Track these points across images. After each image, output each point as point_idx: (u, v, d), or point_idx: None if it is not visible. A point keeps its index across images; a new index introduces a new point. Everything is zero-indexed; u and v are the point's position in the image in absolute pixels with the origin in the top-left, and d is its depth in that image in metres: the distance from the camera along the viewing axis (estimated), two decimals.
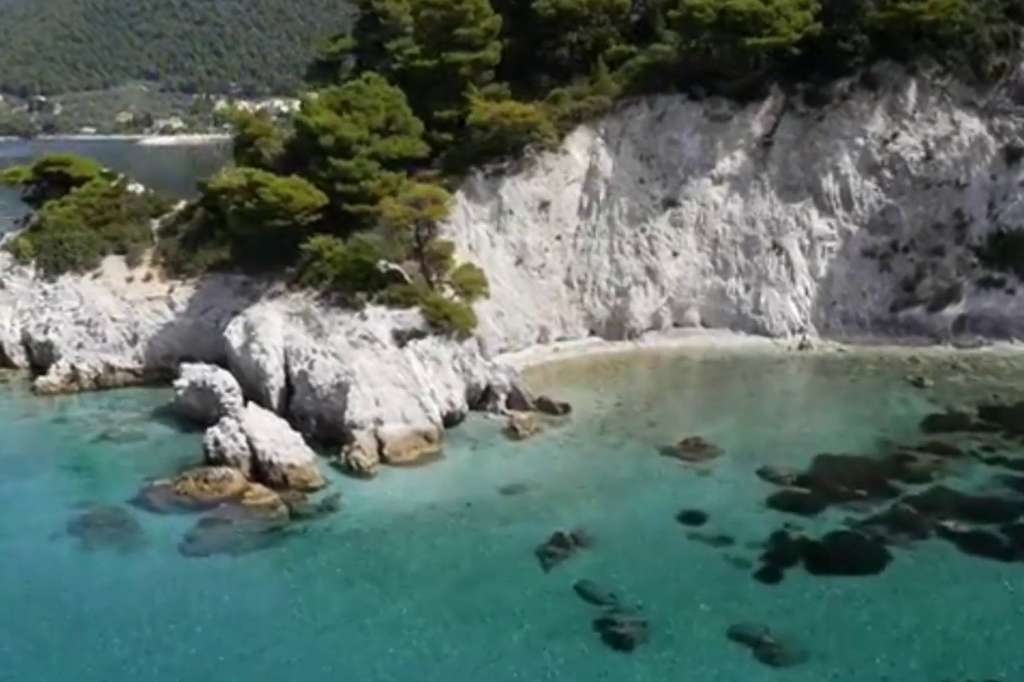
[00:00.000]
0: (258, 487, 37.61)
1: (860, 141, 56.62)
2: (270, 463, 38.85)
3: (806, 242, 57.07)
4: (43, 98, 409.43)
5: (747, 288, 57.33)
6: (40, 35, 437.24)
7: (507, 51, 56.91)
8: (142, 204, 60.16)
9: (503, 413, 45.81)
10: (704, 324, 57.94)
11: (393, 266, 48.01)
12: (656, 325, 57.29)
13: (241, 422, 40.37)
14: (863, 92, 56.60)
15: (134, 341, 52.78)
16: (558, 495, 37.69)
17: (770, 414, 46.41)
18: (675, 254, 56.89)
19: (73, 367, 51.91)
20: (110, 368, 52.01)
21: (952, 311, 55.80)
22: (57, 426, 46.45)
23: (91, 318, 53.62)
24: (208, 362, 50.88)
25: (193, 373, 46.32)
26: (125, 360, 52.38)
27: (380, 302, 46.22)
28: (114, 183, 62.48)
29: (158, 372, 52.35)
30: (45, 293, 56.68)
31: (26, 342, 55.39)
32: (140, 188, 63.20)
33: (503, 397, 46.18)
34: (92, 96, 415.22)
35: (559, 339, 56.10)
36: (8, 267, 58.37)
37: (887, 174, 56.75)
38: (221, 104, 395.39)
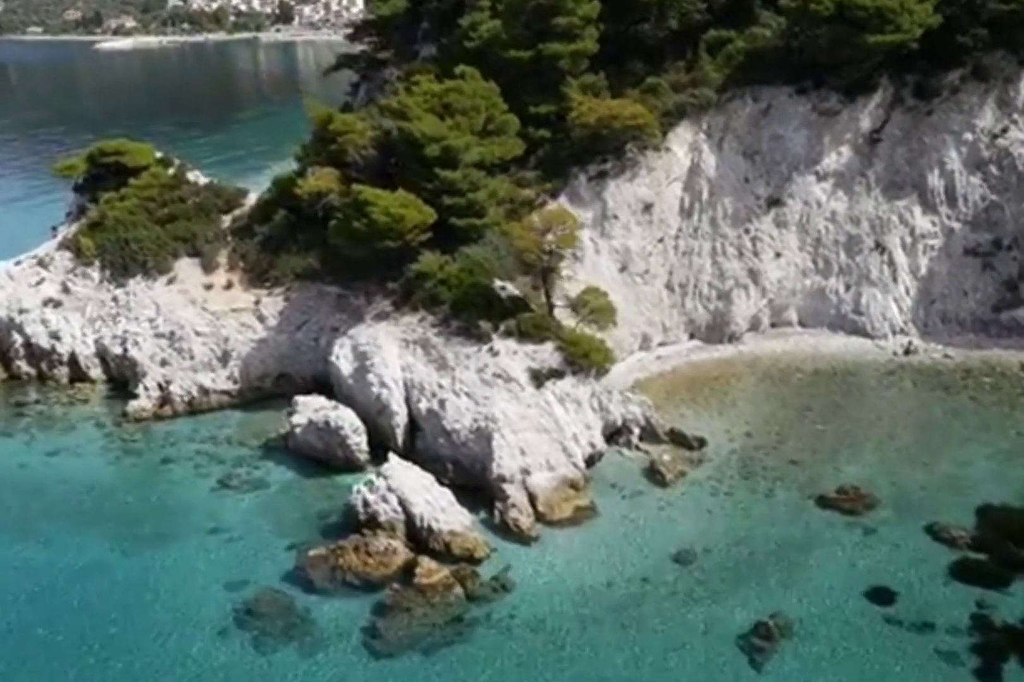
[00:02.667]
0: (426, 561, 35.72)
1: (968, 136, 54.27)
2: (429, 529, 37.14)
3: (908, 240, 55.12)
4: None
5: (847, 288, 55.50)
6: None
7: (599, 36, 53.41)
8: (209, 198, 56.56)
9: (637, 448, 44.27)
10: (802, 324, 56.20)
11: (511, 290, 45.61)
12: (754, 326, 55.51)
13: (389, 479, 38.36)
14: (974, 84, 54.01)
15: (224, 359, 49.92)
16: (733, 566, 36.43)
17: (907, 446, 44.95)
18: (778, 255, 54.79)
19: (162, 387, 49.33)
20: (204, 390, 49.29)
21: None
22: (167, 470, 44.00)
23: (172, 331, 50.69)
24: (306, 381, 49.01)
25: (311, 410, 43.98)
26: (219, 380, 49.56)
27: (508, 334, 43.85)
28: (171, 170, 58.87)
29: (252, 393, 50.03)
30: (115, 299, 53.59)
31: (101, 354, 52.53)
32: (201, 177, 59.50)
33: (637, 431, 44.52)
34: None
35: (660, 344, 54.19)
36: (71, 269, 55.09)
37: (993, 170, 54.60)
38: (174, 1, 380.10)
